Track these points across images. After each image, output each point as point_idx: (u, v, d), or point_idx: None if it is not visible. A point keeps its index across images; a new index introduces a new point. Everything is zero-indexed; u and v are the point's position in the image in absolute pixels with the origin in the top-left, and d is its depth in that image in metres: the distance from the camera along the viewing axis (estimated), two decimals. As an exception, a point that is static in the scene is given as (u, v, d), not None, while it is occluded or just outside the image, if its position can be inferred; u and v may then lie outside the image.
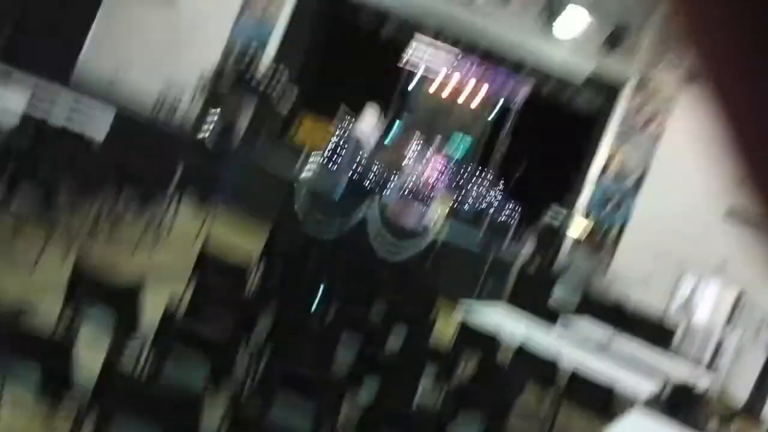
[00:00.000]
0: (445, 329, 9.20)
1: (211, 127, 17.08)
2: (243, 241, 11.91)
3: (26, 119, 12.03)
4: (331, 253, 11.52)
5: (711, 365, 17.24)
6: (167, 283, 8.38)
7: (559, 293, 15.65)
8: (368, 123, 17.70)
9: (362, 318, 7.92)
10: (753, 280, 18.06)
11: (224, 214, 13.62)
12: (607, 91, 19.92)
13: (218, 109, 18.62)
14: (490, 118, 22.87)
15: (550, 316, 11.52)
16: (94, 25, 19.99)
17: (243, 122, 19.40)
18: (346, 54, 21.35)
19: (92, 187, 9.43)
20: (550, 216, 18.13)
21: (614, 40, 14.04)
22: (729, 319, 17.92)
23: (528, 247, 17.55)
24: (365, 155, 17.75)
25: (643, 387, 8.71)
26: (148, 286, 5.95)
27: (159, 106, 18.80)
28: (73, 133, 12.59)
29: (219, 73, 19.40)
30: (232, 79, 18.84)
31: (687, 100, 18.41)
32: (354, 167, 17.57)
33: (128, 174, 10.32)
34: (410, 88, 22.92)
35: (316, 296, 8.00)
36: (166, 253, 10.56)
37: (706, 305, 17.86)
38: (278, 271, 8.51)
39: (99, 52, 19.84)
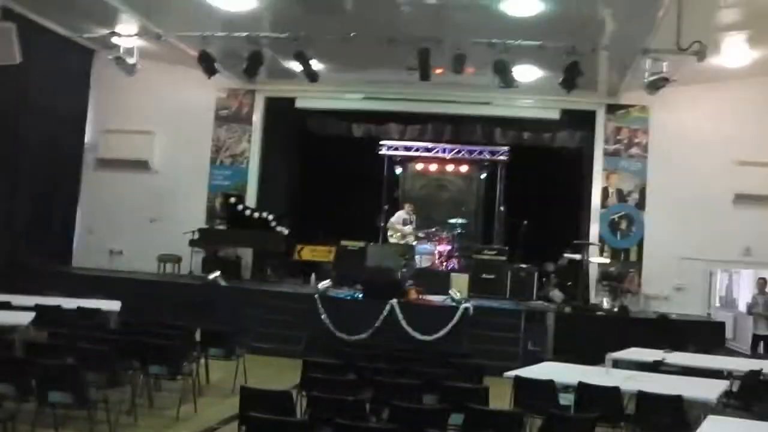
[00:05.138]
0: (500, 398, 9.08)
1: (216, 273, 17.24)
2: (280, 374, 11.88)
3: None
4: (368, 354, 11.45)
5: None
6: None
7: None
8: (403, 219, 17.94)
9: (416, 410, 7.83)
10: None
11: (254, 356, 13.54)
12: (582, 125, 20.19)
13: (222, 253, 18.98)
14: (479, 186, 23.03)
15: (597, 355, 11.36)
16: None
17: (247, 260, 19.67)
18: (324, 171, 21.72)
19: (118, 367, 9.38)
20: (568, 257, 18.14)
21: (569, 80, 14.35)
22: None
23: (556, 295, 17.47)
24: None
25: (711, 391, 8.56)
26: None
27: (163, 267, 19.23)
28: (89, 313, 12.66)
29: (210, 222, 19.75)
30: (225, 224, 19.16)
31: (660, 108, 18.62)
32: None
33: (152, 344, 10.32)
34: (395, 180, 23.12)
35: (366, 400, 7.93)
36: (207, 411, 10.47)
37: (746, 294, 17.74)
38: (323, 385, 8.45)
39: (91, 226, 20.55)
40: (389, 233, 17.91)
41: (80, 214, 20.78)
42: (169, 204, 20.17)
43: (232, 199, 19.44)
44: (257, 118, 20.81)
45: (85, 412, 8.46)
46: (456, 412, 7.61)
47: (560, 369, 10.07)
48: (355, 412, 7.68)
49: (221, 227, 19.36)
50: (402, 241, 17.72)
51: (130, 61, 15.52)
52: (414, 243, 18.13)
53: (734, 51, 16.50)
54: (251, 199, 20.32)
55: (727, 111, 18.65)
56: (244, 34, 14.98)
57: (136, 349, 10.10)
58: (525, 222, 18.19)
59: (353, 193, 21.55)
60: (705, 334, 15.57)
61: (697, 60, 13.39)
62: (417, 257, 19.57)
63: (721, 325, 16.39)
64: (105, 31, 16.26)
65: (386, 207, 21.70)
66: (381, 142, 22.66)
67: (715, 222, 18.30)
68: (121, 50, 15.59)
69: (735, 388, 9.87)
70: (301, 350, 14.50)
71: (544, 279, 18.90)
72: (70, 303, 12.82)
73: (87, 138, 20.89)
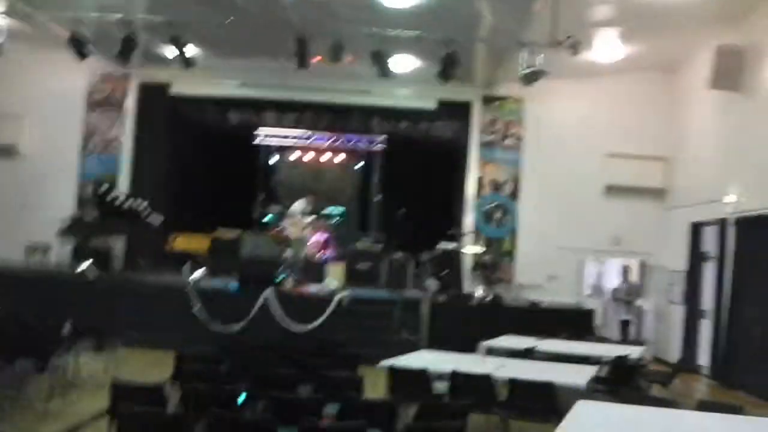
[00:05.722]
0: (375, 387, 9.12)
1: (88, 263, 16.82)
2: (153, 367, 11.65)
3: None
4: (243, 344, 11.39)
5: (636, 336, 17.58)
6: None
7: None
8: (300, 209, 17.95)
9: (292, 399, 7.81)
10: (647, 246, 18.65)
11: (126, 349, 13.27)
12: (458, 116, 20.42)
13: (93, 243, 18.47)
14: (356, 175, 23.06)
15: (471, 343, 11.53)
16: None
17: (118, 250, 19.15)
18: (199, 159, 21.40)
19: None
20: (443, 247, 18.31)
21: (446, 71, 14.56)
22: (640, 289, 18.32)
23: (431, 284, 17.62)
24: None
25: (580, 376, 8.78)
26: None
27: (30, 257, 18.49)
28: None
29: (80, 211, 19.18)
30: (95, 213, 18.62)
31: (534, 100, 18.99)
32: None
33: (18, 337, 10.00)
34: (271, 169, 22.97)
35: (239, 392, 7.85)
36: (78, 406, 10.21)
37: (615, 282, 18.28)
38: (196, 378, 8.33)
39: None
40: (288, 223, 17.88)
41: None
42: (37, 191, 19.52)
43: (104, 187, 18.95)
44: (130, 103, 20.39)
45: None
46: (331, 401, 7.60)
47: (434, 357, 10.19)
48: (230, 403, 7.60)
49: (92, 216, 18.82)
50: (300, 233, 17.70)
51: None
52: (309, 235, 18.17)
53: (607, 46, 16.98)
54: (124, 186, 19.89)
55: (599, 104, 19.22)
56: (118, 15, 14.61)
57: (1, 342, 9.74)
58: (401, 211, 18.32)
59: (228, 182, 21.32)
60: (575, 322, 15.95)
61: (571, 54, 13.71)
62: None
63: (590, 313, 16.83)
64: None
65: (262, 196, 21.55)
66: (257, 131, 22.47)
67: (586, 212, 18.83)
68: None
69: (603, 374, 10.14)
70: (174, 342, 14.24)
71: (419, 268, 19.03)
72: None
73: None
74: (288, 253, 18.42)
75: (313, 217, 18.53)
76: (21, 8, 15.46)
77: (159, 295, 15.95)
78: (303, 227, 17.88)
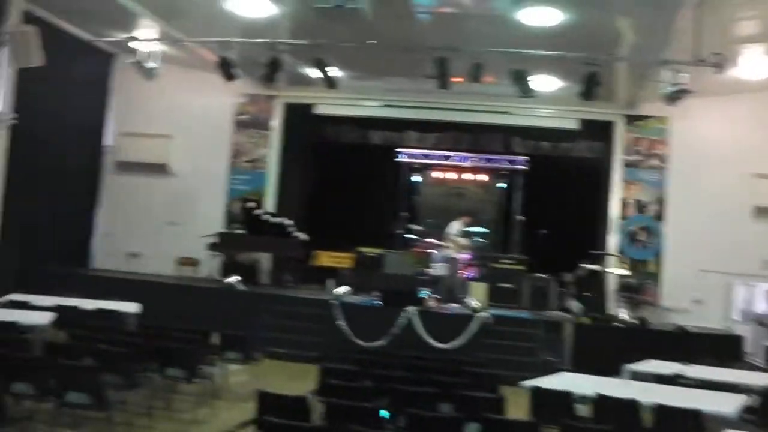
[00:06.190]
0: (515, 408, 9.05)
1: (235, 277, 17.41)
2: (294, 380, 11.87)
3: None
4: (384, 360, 11.49)
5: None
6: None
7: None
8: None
9: (433, 418, 7.83)
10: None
11: (269, 360, 13.58)
12: (600, 136, 20.15)
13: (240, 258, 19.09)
14: (497, 195, 22.95)
15: (614, 366, 11.33)
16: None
17: (264, 265, 19.70)
18: (341, 177, 21.77)
19: (136, 369, 9.43)
20: (586, 267, 18.03)
21: (589, 90, 14.37)
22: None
23: (574, 305, 17.39)
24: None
25: (729, 405, 8.51)
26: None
27: (180, 270, 19.34)
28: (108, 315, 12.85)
29: (229, 226, 19.79)
30: (243, 229, 19.21)
31: (679, 119, 18.54)
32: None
33: (169, 347, 10.39)
34: (413, 188, 23.11)
35: (382, 406, 7.93)
36: (224, 414, 10.50)
37: (763, 308, 17.58)
38: (340, 392, 8.46)
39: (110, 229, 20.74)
40: (446, 244, 18.16)
41: (99, 216, 20.88)
42: (187, 207, 20.27)
43: (251, 204, 19.55)
44: (276, 123, 20.89)
45: (102, 413, 8.50)
46: (471, 421, 7.59)
47: (577, 380, 10.04)
48: (372, 419, 7.69)
49: (239, 232, 19.40)
50: (455, 253, 17.96)
51: (149, 65, 15.58)
52: (458, 255, 18.39)
53: (754, 63, 16.40)
54: (269, 203, 20.42)
55: (747, 123, 18.53)
56: (264, 40, 15.08)
57: (154, 351, 10.15)
58: (543, 231, 18.16)
59: (370, 200, 21.59)
60: (723, 347, 15.44)
61: (716, 71, 13.34)
62: (435, 265, 19.53)
63: (739, 339, 16.26)
64: (124, 36, 16.34)
65: (404, 214, 21.73)
66: (398, 150, 22.66)
67: (734, 234, 18.16)
68: (140, 54, 15.65)
69: (754, 403, 9.78)
70: (317, 356, 14.49)
71: (562, 289, 18.78)
72: (88, 304, 12.92)
73: (106, 141, 21.00)
74: (431, 270, 18.52)
75: (467, 237, 18.62)
76: (173, 34, 16.23)
77: (302, 310, 16.32)
78: (458, 247, 18.01)
